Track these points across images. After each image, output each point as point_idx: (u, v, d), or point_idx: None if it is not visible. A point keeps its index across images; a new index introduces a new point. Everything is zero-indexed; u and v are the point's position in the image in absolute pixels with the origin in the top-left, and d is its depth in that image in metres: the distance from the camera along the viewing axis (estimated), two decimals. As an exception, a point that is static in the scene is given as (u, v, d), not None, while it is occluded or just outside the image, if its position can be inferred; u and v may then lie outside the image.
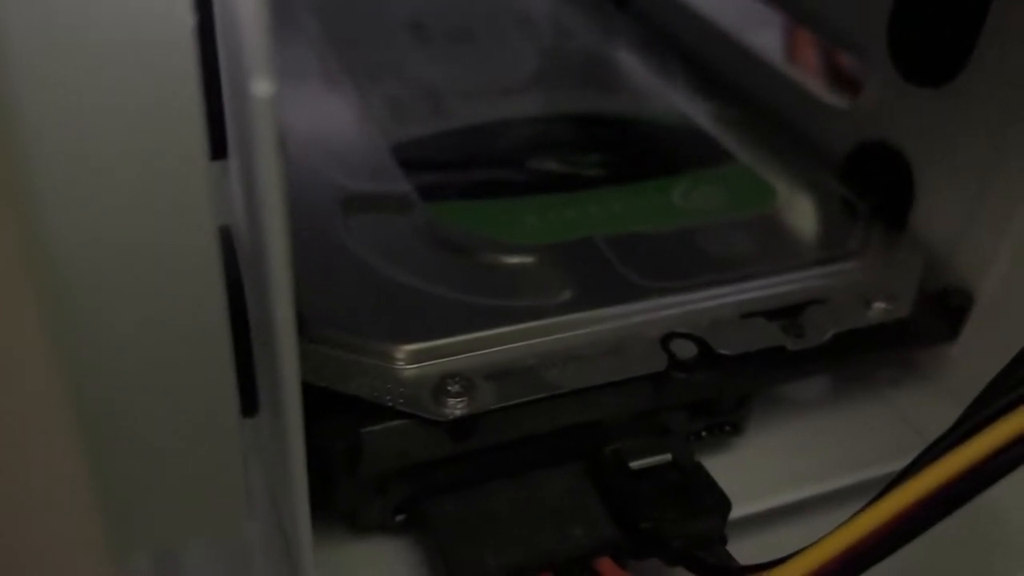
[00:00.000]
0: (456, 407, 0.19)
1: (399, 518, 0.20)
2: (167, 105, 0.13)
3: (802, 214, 0.26)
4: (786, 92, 0.31)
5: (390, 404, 0.19)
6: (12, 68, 0.11)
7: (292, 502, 0.17)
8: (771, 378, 0.23)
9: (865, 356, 0.24)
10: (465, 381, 0.19)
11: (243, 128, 0.14)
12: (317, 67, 0.31)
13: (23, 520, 0.12)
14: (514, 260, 0.23)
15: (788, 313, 0.23)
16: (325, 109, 0.29)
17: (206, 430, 0.16)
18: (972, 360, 0.24)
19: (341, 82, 0.30)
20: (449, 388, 0.19)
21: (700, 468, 0.20)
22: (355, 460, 0.19)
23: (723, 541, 0.20)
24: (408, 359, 0.20)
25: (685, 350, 0.21)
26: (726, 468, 0.21)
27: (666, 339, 0.21)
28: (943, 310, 0.24)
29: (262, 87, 0.12)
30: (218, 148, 0.18)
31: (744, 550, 0.19)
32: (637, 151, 0.29)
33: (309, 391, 0.16)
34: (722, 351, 0.21)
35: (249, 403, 0.18)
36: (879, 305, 0.23)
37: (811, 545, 0.15)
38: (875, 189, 0.27)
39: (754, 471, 0.23)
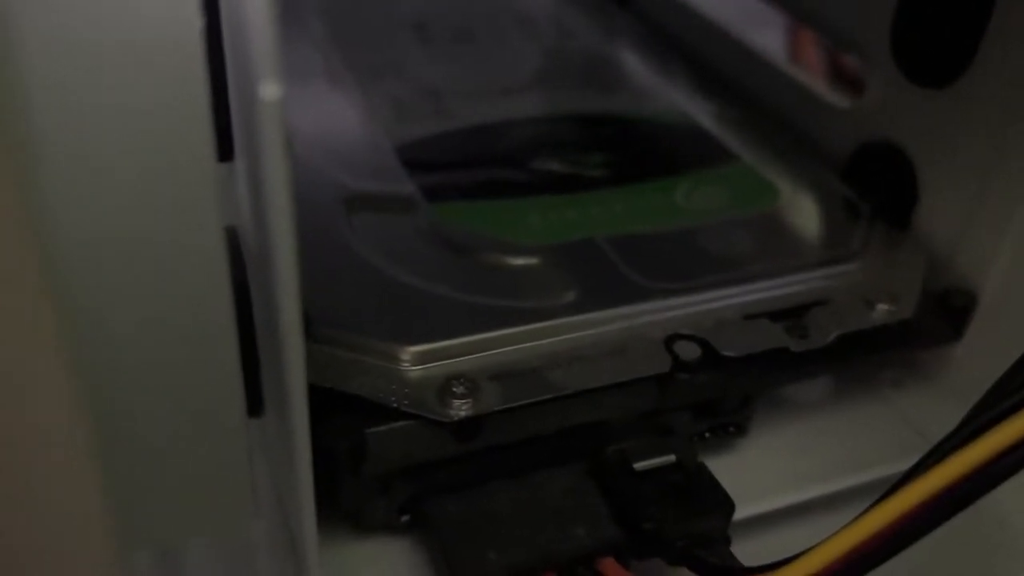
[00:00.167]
0: (461, 408, 0.19)
1: (403, 518, 0.21)
2: (175, 107, 0.13)
3: (805, 214, 0.26)
4: (788, 92, 0.31)
5: (395, 405, 0.19)
6: (24, 70, 0.11)
7: (298, 502, 0.17)
8: (775, 379, 0.23)
9: (868, 357, 0.24)
10: (469, 382, 0.19)
11: (250, 130, 0.14)
12: (321, 67, 0.31)
13: (36, 518, 0.12)
14: (518, 261, 0.23)
15: (791, 314, 0.23)
16: (329, 109, 0.29)
17: (212, 430, 0.16)
18: (975, 361, 0.24)
19: (345, 82, 0.30)
20: (454, 389, 0.19)
21: (703, 469, 0.21)
22: (360, 460, 0.19)
23: (726, 542, 0.20)
24: (413, 360, 0.20)
25: (689, 351, 0.21)
26: (729, 469, 0.21)
27: (670, 340, 0.21)
28: (946, 311, 0.24)
29: (270, 90, 0.12)
30: (225, 150, 0.18)
31: (748, 551, 0.19)
32: (639, 151, 0.29)
33: (314, 391, 0.16)
34: (726, 352, 0.21)
35: (254, 403, 0.18)
36: (882, 306, 0.23)
37: (814, 546, 0.15)
38: (878, 189, 0.27)
39: (757, 472, 0.23)
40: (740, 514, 0.20)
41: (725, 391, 0.22)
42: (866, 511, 0.15)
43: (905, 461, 0.16)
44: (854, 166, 0.28)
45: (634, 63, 0.34)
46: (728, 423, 0.23)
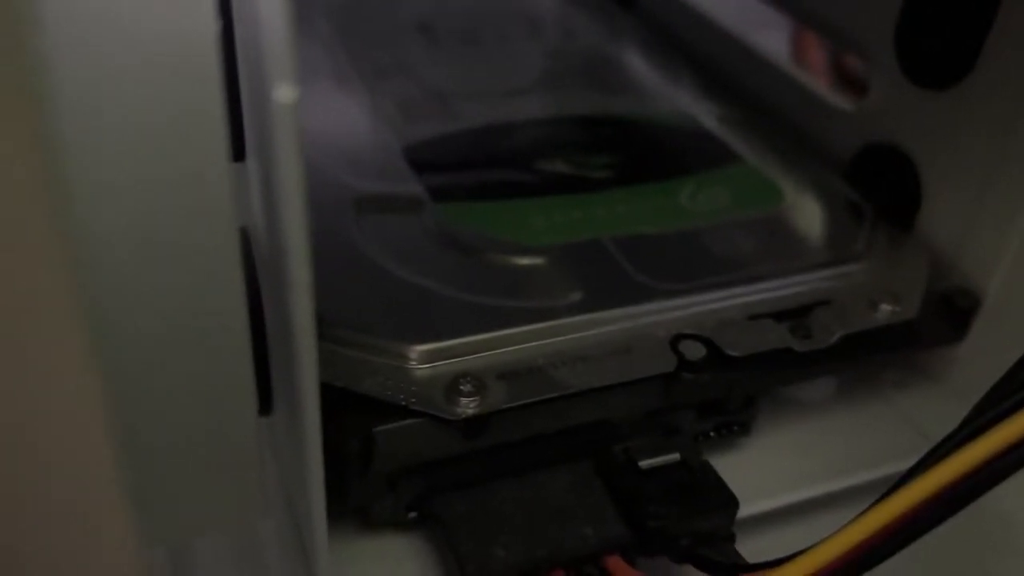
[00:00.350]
0: (468, 406, 0.19)
1: (411, 515, 0.21)
2: (192, 109, 0.13)
3: (808, 216, 0.26)
4: (792, 93, 0.31)
5: (403, 403, 0.19)
6: (51, 74, 0.12)
7: (308, 499, 0.17)
8: (778, 379, 0.23)
9: (872, 357, 0.24)
10: (477, 381, 0.20)
11: (264, 132, 0.15)
12: (328, 68, 0.31)
13: (59, 515, 0.12)
14: (524, 261, 0.23)
15: (795, 314, 0.23)
16: (337, 110, 0.29)
17: (225, 428, 0.16)
18: (978, 361, 0.24)
19: (352, 83, 0.30)
20: (461, 388, 0.19)
21: (708, 467, 0.21)
22: (368, 458, 0.19)
23: (731, 539, 0.20)
24: (421, 359, 0.20)
25: (694, 351, 0.21)
26: (734, 467, 0.21)
27: (675, 340, 0.21)
28: (949, 311, 0.24)
29: (285, 93, 0.12)
30: (237, 151, 0.18)
31: (752, 548, 0.19)
32: (644, 152, 0.29)
33: (323, 390, 0.16)
34: (730, 352, 0.21)
35: (265, 402, 0.18)
36: (885, 307, 0.23)
37: (818, 543, 0.16)
38: (881, 191, 0.27)
39: (761, 470, 0.23)
40: (744, 512, 0.20)
41: (729, 390, 0.22)
42: (869, 508, 0.15)
43: (908, 460, 0.16)
44: (858, 167, 0.28)
45: (639, 65, 0.34)
46: (732, 422, 0.23)
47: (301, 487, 0.18)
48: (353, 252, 0.23)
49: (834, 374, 0.25)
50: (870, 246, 0.25)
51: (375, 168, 0.26)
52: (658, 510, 0.19)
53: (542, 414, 0.20)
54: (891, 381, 0.26)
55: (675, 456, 0.20)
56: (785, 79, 0.31)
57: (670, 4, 0.37)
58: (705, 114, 0.31)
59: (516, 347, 0.21)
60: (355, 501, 0.20)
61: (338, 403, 0.18)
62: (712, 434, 0.23)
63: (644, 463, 0.20)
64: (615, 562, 0.19)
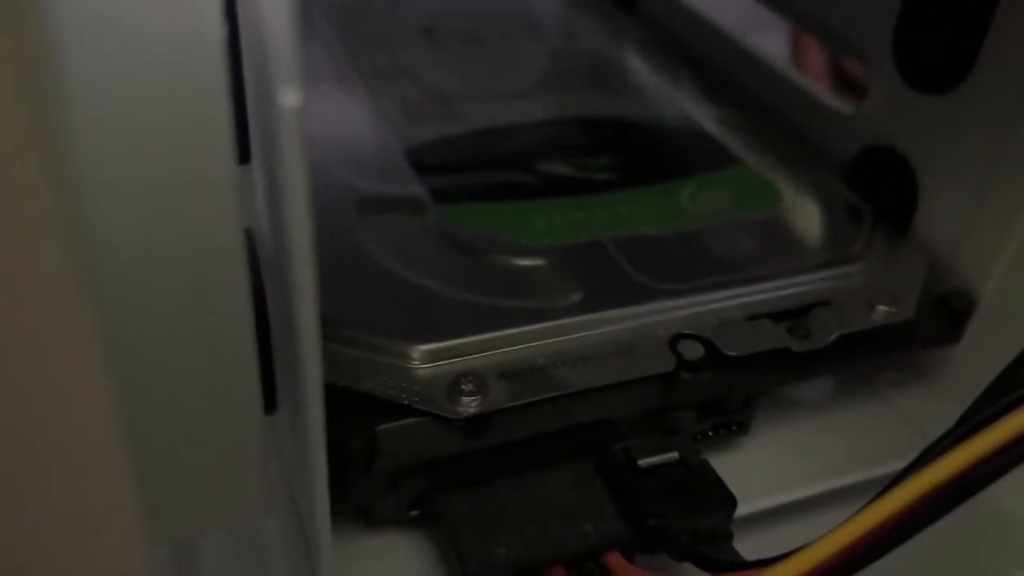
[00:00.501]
0: (470, 405, 0.19)
1: (413, 513, 0.21)
2: (198, 114, 0.13)
3: (807, 217, 0.26)
4: (792, 96, 0.31)
5: (405, 402, 0.19)
6: (63, 79, 0.12)
7: (312, 497, 0.17)
8: (777, 379, 0.24)
9: (869, 358, 0.24)
10: (478, 380, 0.20)
11: (269, 136, 0.15)
12: (331, 70, 0.31)
13: (70, 513, 0.12)
14: (525, 262, 0.23)
15: (793, 315, 0.23)
16: (340, 112, 0.29)
17: (230, 426, 0.16)
18: (975, 362, 0.25)
19: (355, 85, 0.31)
20: (463, 387, 0.20)
21: (706, 466, 0.21)
22: (371, 456, 0.19)
23: (729, 537, 0.20)
24: (423, 359, 0.20)
25: (693, 351, 0.21)
26: (732, 466, 0.21)
27: (674, 340, 0.22)
28: (946, 312, 0.24)
29: (290, 97, 0.13)
30: (243, 153, 0.19)
31: (750, 546, 0.19)
32: (645, 154, 0.29)
33: (326, 389, 0.16)
34: (729, 352, 0.21)
35: (269, 401, 0.19)
36: (883, 308, 0.23)
37: (816, 540, 0.16)
38: (880, 193, 0.27)
39: (759, 469, 0.23)
40: (742, 510, 0.21)
41: (728, 390, 0.22)
42: (866, 506, 0.15)
43: (905, 459, 0.16)
44: (856, 170, 0.28)
45: (640, 67, 0.34)
46: (731, 421, 0.23)
47: (305, 485, 0.18)
48: (356, 253, 0.23)
49: (832, 374, 0.26)
50: (868, 247, 0.25)
51: (377, 169, 0.26)
52: (657, 508, 0.20)
53: (543, 413, 0.20)
54: (889, 381, 0.26)
55: (674, 455, 0.21)
56: (784, 82, 0.32)
57: (670, 6, 0.37)
58: (705, 116, 0.31)
59: (517, 347, 0.21)
60: (358, 499, 0.20)
61: (341, 402, 0.19)
62: (711, 433, 0.23)
63: (643, 462, 0.20)
64: (615, 559, 0.19)
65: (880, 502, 0.15)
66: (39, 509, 0.12)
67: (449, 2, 0.37)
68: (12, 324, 0.11)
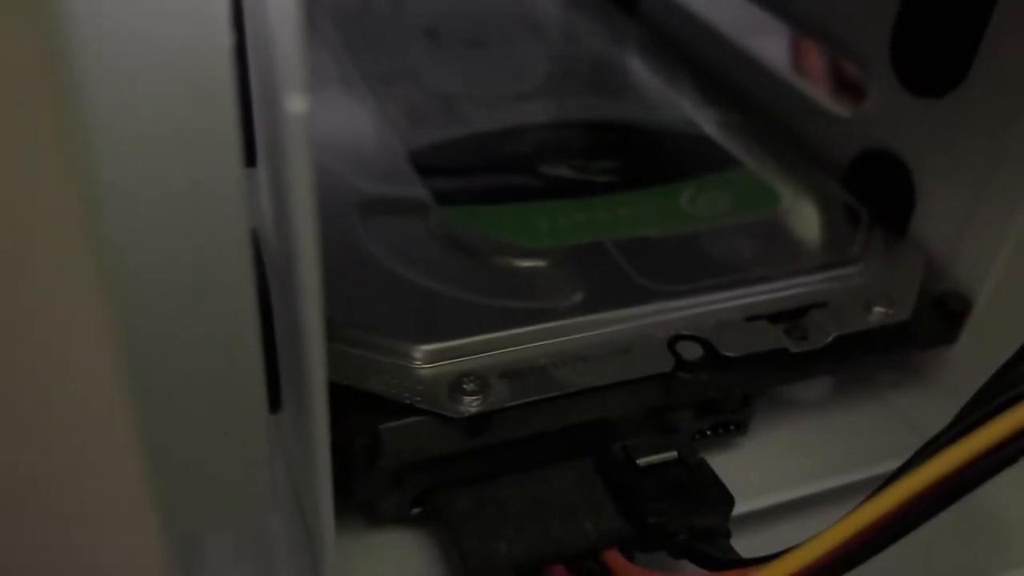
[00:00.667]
0: (471, 405, 0.20)
1: (415, 510, 0.21)
2: (207, 120, 0.14)
3: (805, 219, 0.27)
4: (791, 99, 0.31)
5: (408, 401, 0.19)
6: (80, 84, 0.12)
7: (315, 495, 0.18)
8: (774, 379, 0.24)
9: (866, 358, 0.24)
10: (480, 380, 0.20)
11: (275, 140, 0.15)
12: (336, 73, 0.32)
13: (89, 506, 0.13)
14: (527, 263, 0.24)
15: (791, 316, 0.23)
16: (344, 114, 0.29)
17: (236, 425, 0.17)
18: (971, 362, 0.25)
19: (359, 87, 0.31)
20: (464, 386, 0.20)
21: (704, 465, 0.21)
22: (374, 455, 0.19)
23: (726, 535, 0.20)
24: (426, 359, 0.20)
25: (691, 352, 0.22)
26: (730, 466, 0.21)
27: (673, 341, 0.22)
28: (942, 314, 0.25)
29: (297, 104, 0.13)
30: (249, 156, 0.19)
31: (749, 545, 0.19)
32: (646, 157, 0.29)
33: (330, 388, 0.16)
34: (727, 353, 0.22)
35: (274, 400, 0.19)
36: (879, 309, 0.23)
37: (812, 538, 0.16)
38: (877, 195, 0.27)
39: (757, 469, 0.23)
40: (740, 509, 0.21)
41: (726, 390, 0.22)
42: (859, 505, 0.16)
43: (902, 459, 0.16)
44: (854, 173, 0.29)
45: (641, 70, 0.35)
46: (729, 421, 0.23)
47: (309, 483, 0.19)
48: (360, 254, 0.23)
49: (829, 374, 0.26)
50: (866, 249, 0.25)
51: (381, 172, 0.27)
52: (656, 507, 0.20)
53: (543, 412, 0.20)
54: (886, 381, 0.27)
55: (672, 454, 0.21)
56: (784, 85, 0.32)
57: (671, 10, 0.38)
58: (705, 119, 0.31)
59: (518, 347, 0.21)
60: (361, 497, 0.21)
61: (345, 401, 0.19)
62: (709, 433, 0.23)
63: (642, 461, 0.21)
64: (614, 557, 0.19)
65: (873, 501, 0.15)
66: (50, 509, 0.13)
67: (452, 4, 0.38)
68: (24, 325, 0.11)
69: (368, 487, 0.20)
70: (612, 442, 0.21)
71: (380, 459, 0.19)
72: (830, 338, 0.22)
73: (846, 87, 0.37)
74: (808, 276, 0.24)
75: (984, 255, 0.24)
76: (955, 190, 0.25)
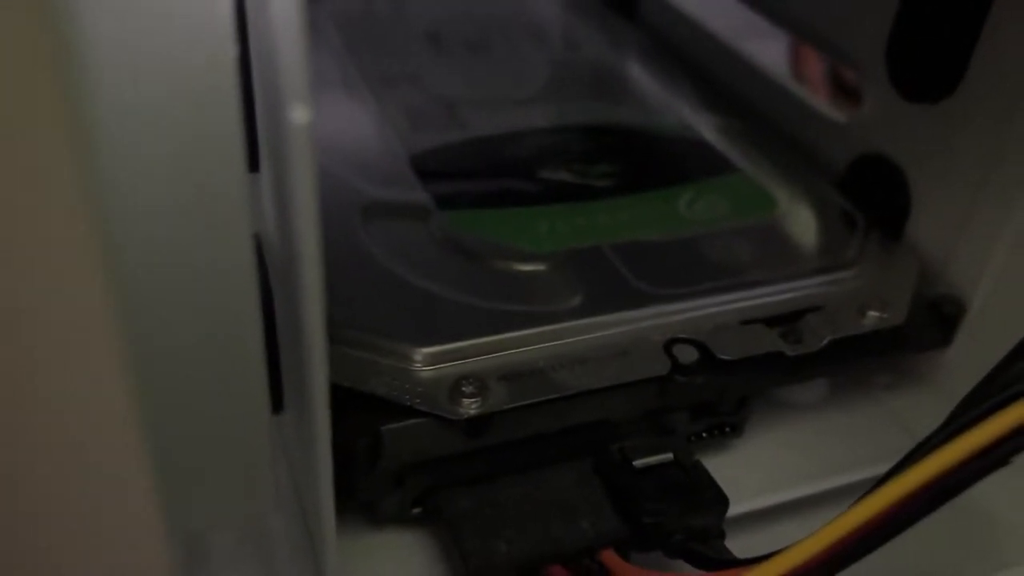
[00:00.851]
0: (470, 407, 0.20)
1: (416, 510, 0.21)
2: (212, 126, 0.14)
3: (802, 224, 0.27)
4: (789, 104, 0.32)
5: (408, 403, 0.20)
6: (87, 92, 0.13)
7: (317, 495, 0.18)
8: (769, 382, 0.24)
9: (861, 361, 0.25)
10: (479, 382, 0.20)
11: (278, 148, 0.15)
12: (338, 77, 0.32)
13: (95, 507, 0.13)
14: (526, 267, 0.24)
15: (786, 320, 0.23)
16: (346, 118, 0.30)
17: (239, 425, 0.17)
18: (965, 365, 0.25)
19: (361, 91, 0.31)
20: (464, 389, 0.20)
21: (700, 466, 0.21)
22: (375, 456, 0.20)
23: (721, 536, 0.20)
24: (426, 361, 0.21)
25: (687, 355, 0.22)
26: (726, 467, 0.22)
27: (669, 344, 0.22)
28: (936, 317, 0.25)
29: (300, 114, 0.13)
30: (252, 162, 0.19)
31: (745, 545, 0.20)
32: (645, 161, 0.30)
33: (332, 390, 0.17)
34: (722, 356, 0.22)
35: (276, 401, 0.19)
36: (874, 313, 0.24)
37: (801, 540, 0.16)
38: (873, 200, 0.27)
39: (752, 470, 0.24)
40: (735, 510, 0.21)
41: (721, 393, 0.22)
42: (852, 505, 0.16)
43: (895, 461, 0.17)
44: (851, 177, 0.29)
45: (640, 75, 0.35)
46: (724, 423, 0.24)
47: (310, 483, 0.19)
48: (361, 257, 0.23)
49: (824, 377, 0.26)
50: (861, 254, 0.26)
51: (382, 175, 0.27)
52: (652, 507, 0.20)
53: (542, 414, 0.21)
54: (882, 384, 0.27)
55: (668, 456, 0.21)
56: (782, 90, 0.32)
57: (670, 15, 0.38)
58: (704, 124, 0.31)
59: (517, 350, 0.21)
60: (362, 497, 0.21)
61: (346, 403, 0.19)
62: (705, 435, 0.24)
63: (639, 462, 0.21)
64: (611, 556, 0.20)
65: (864, 502, 0.16)
66: (55, 509, 0.13)
67: (454, 8, 0.38)
68: (30, 327, 0.11)
69: (369, 487, 0.21)
70: (609, 444, 0.21)
71: (381, 459, 0.20)
72: (825, 342, 0.23)
73: (845, 92, 0.37)
74: (804, 280, 0.24)
75: (979, 259, 0.25)
76: (950, 195, 0.25)
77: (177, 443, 0.16)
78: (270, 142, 0.17)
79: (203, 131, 0.14)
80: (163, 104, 0.14)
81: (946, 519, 0.16)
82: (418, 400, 0.20)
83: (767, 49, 0.35)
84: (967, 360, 0.25)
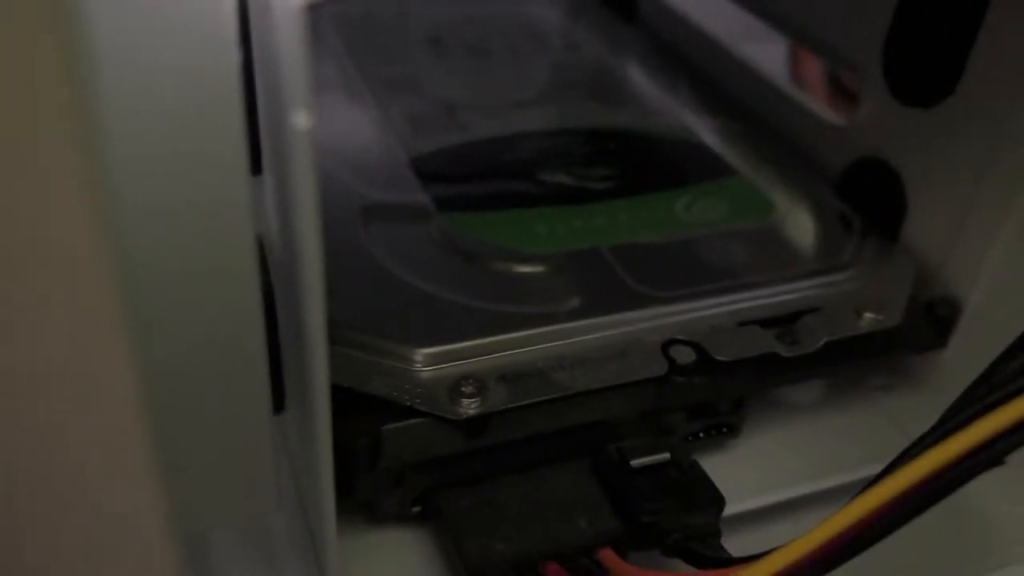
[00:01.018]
0: (470, 407, 0.20)
1: (415, 509, 0.22)
2: (215, 130, 0.14)
3: (799, 227, 0.27)
4: (787, 108, 0.32)
5: (408, 403, 0.20)
6: (101, 99, 0.13)
7: (318, 494, 0.18)
8: (766, 383, 0.24)
9: (857, 363, 0.25)
10: (478, 383, 0.20)
11: (280, 152, 0.16)
12: (340, 80, 0.32)
13: (94, 513, 0.13)
14: (525, 269, 0.24)
15: (783, 321, 0.24)
16: (347, 120, 0.30)
17: (241, 425, 0.17)
18: (961, 366, 0.25)
19: (362, 95, 0.31)
20: (463, 389, 0.20)
21: (697, 466, 0.21)
22: (376, 455, 0.20)
23: (717, 535, 0.21)
24: (425, 361, 0.21)
25: (684, 356, 0.22)
26: (722, 467, 0.22)
27: (667, 345, 0.22)
28: (932, 319, 0.25)
29: (302, 120, 0.13)
30: (254, 165, 0.19)
31: (741, 545, 0.20)
32: (643, 164, 0.30)
33: (333, 390, 0.17)
34: (719, 357, 0.22)
35: (278, 401, 0.19)
36: (869, 315, 0.24)
37: (794, 539, 0.16)
38: (869, 203, 0.28)
39: (749, 470, 0.24)
40: (732, 510, 0.21)
41: (718, 394, 0.23)
42: (845, 504, 0.16)
43: (891, 461, 0.17)
44: (847, 181, 0.29)
45: (640, 78, 0.35)
46: (721, 424, 0.24)
47: (311, 482, 0.19)
48: (362, 259, 0.24)
49: (819, 379, 0.26)
50: (857, 256, 0.26)
51: (383, 178, 0.27)
52: (649, 506, 0.20)
53: (540, 414, 0.21)
54: (878, 385, 0.27)
55: (666, 456, 0.21)
56: (780, 94, 0.32)
57: (670, 18, 0.38)
58: (702, 128, 0.32)
59: (516, 351, 0.22)
60: (363, 496, 0.21)
61: (347, 403, 0.19)
62: (702, 435, 0.24)
63: (636, 462, 0.21)
64: (608, 555, 0.20)
65: (856, 501, 0.16)
66: (58, 509, 0.13)
67: (455, 12, 0.38)
68: (36, 327, 0.12)
69: (370, 487, 0.21)
70: (607, 443, 0.22)
71: (381, 459, 0.20)
72: (821, 343, 0.23)
73: (843, 95, 0.38)
74: (800, 282, 0.25)
75: (974, 261, 0.25)
76: (946, 198, 0.25)
77: (179, 443, 0.16)
78: (272, 146, 0.18)
79: (207, 135, 0.14)
80: (168, 108, 0.14)
81: (942, 520, 0.16)
82: (418, 400, 0.20)
83: (766, 52, 0.36)
84: (963, 361, 0.25)
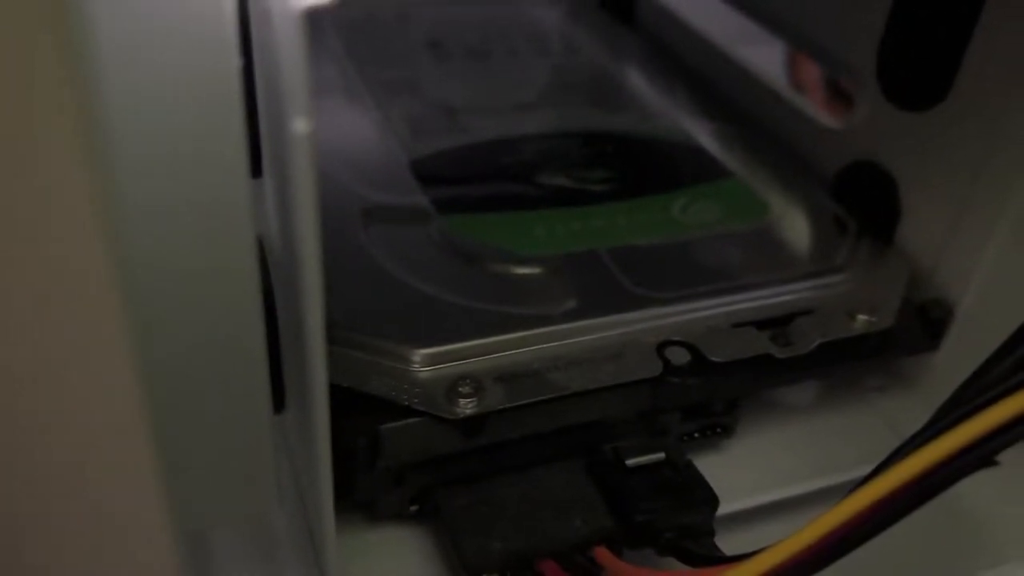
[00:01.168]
0: (467, 407, 0.20)
1: (413, 508, 0.22)
2: (217, 133, 0.14)
3: (793, 229, 0.27)
4: (784, 111, 0.32)
5: (407, 403, 0.20)
6: (104, 103, 0.13)
7: (317, 492, 0.18)
8: (760, 384, 0.25)
9: (850, 364, 0.25)
10: (476, 383, 0.21)
11: (281, 156, 0.16)
12: (340, 83, 0.32)
13: (96, 512, 0.13)
14: (523, 270, 0.24)
15: (777, 323, 0.24)
16: (348, 123, 0.30)
17: (242, 425, 0.17)
18: (954, 367, 0.25)
19: (363, 97, 0.32)
20: (461, 389, 0.20)
21: (691, 466, 0.22)
22: (374, 454, 0.20)
23: (710, 534, 0.21)
24: (424, 362, 0.21)
25: (679, 357, 0.22)
26: (716, 467, 0.22)
27: (662, 346, 0.22)
28: (924, 321, 0.25)
29: (302, 125, 0.14)
30: (255, 167, 0.20)
31: (735, 544, 0.20)
32: (641, 167, 0.30)
33: (332, 390, 0.17)
34: (713, 358, 0.22)
35: (278, 401, 0.20)
36: (863, 317, 0.24)
37: (785, 538, 0.17)
38: (864, 206, 0.28)
39: (743, 470, 0.24)
40: (725, 509, 0.21)
41: (712, 394, 0.23)
42: (835, 504, 0.16)
43: (885, 462, 0.17)
44: (843, 183, 0.29)
45: (638, 81, 0.35)
46: (716, 424, 0.24)
47: (311, 481, 0.19)
48: (361, 260, 0.24)
49: (813, 380, 0.27)
50: (852, 259, 0.26)
51: (383, 180, 0.27)
52: (644, 505, 0.20)
53: (537, 414, 0.21)
54: (872, 386, 0.27)
55: (660, 456, 0.22)
56: (777, 97, 0.33)
57: (668, 21, 0.38)
58: (699, 130, 0.32)
59: (513, 351, 0.22)
60: (362, 495, 0.21)
61: (346, 402, 0.19)
62: (696, 435, 0.24)
63: (631, 462, 0.21)
64: (603, 553, 0.20)
65: (847, 501, 0.16)
66: (60, 508, 0.13)
67: (455, 15, 0.38)
68: (38, 326, 0.12)
69: (368, 486, 0.21)
70: (603, 443, 0.22)
71: (380, 458, 0.20)
72: (814, 345, 0.23)
73: (839, 99, 0.38)
74: (794, 284, 0.25)
75: (967, 264, 0.25)
76: (939, 201, 0.26)
77: (180, 442, 0.17)
78: (273, 149, 0.18)
79: (208, 137, 0.15)
80: (169, 110, 0.14)
81: (934, 518, 0.16)
82: (416, 400, 0.20)
83: (762, 56, 0.36)
84: (955, 363, 0.25)
